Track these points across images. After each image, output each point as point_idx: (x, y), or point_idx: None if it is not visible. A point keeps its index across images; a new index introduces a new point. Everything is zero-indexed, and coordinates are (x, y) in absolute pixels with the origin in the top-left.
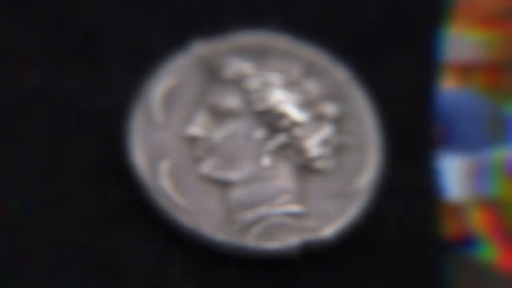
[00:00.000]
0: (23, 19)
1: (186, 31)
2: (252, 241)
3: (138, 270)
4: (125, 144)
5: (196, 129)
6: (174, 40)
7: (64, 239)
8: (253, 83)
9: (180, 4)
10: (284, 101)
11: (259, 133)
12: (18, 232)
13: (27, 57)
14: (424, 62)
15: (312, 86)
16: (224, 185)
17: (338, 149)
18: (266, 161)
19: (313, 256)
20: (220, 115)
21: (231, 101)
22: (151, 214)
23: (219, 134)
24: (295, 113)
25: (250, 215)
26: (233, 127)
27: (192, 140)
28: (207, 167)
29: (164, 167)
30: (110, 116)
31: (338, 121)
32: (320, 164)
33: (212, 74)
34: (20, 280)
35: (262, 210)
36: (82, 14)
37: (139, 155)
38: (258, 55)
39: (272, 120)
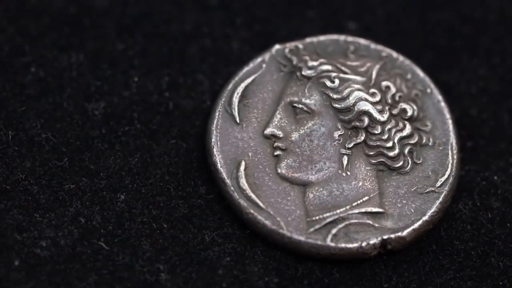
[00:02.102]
0: (127, 34)
1: (267, 34)
2: (331, 241)
3: (222, 264)
4: (207, 144)
5: (274, 128)
6: (255, 43)
7: (157, 232)
8: (333, 82)
9: (260, 9)
10: (364, 100)
11: (339, 132)
12: (121, 224)
13: (130, 67)
14: (498, 66)
15: (391, 86)
16: (303, 185)
17: (417, 148)
18: (345, 161)
19: (391, 253)
20: (298, 114)
21: (311, 100)
22: (232, 212)
23: (297, 133)
24: (375, 112)
25: (329, 215)
26: (311, 126)
27: (271, 140)
28: (285, 167)
29: (244, 166)
30: (193, 116)
31: (417, 121)
32: (399, 164)
33: (292, 74)
34: (119, 265)
35: (341, 211)
36: (171, 27)
37: (220, 155)
38: (338, 55)
39: (352, 119)
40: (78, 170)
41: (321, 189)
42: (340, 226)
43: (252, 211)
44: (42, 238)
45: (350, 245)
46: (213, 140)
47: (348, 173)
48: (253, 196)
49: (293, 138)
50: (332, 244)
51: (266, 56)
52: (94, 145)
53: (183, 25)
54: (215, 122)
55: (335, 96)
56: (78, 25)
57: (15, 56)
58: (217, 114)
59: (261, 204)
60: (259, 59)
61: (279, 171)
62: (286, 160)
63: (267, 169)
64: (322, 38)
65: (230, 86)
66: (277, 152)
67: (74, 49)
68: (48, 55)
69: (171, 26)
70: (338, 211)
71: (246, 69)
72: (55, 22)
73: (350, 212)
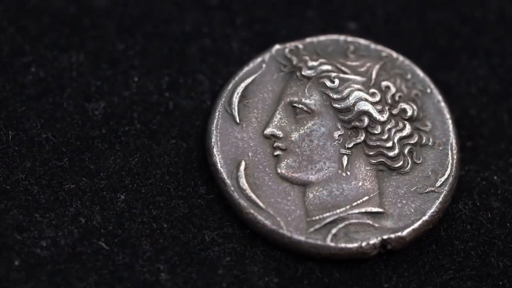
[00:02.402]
0: (127, 34)
1: (267, 34)
2: (331, 240)
3: (222, 264)
4: (207, 144)
5: (274, 128)
6: (255, 43)
7: (157, 231)
8: (333, 82)
9: (260, 9)
10: (364, 100)
11: (338, 132)
12: (121, 224)
13: (130, 67)
14: (498, 66)
15: (391, 86)
16: (303, 185)
17: (417, 148)
18: (345, 161)
19: (391, 253)
20: (298, 114)
21: (311, 100)
22: (232, 212)
23: (297, 133)
24: (375, 112)
25: (329, 215)
26: (311, 126)
27: (271, 140)
28: (285, 167)
29: (244, 166)
30: (193, 116)
31: (416, 121)
32: (399, 164)
33: (292, 74)
34: (120, 265)
35: (341, 211)
36: (171, 28)
37: (220, 155)
38: (338, 55)
39: (351, 119)
40: (78, 170)
41: (321, 189)
42: (340, 226)
43: (252, 211)
44: (42, 238)
45: (350, 245)
46: (213, 140)
47: (348, 173)
48: (253, 196)
49: (293, 138)
50: (332, 244)
51: (266, 56)
52: (94, 145)
53: (183, 25)
54: (215, 122)
55: (335, 96)
56: (78, 25)
57: (15, 56)
58: (217, 114)
59: (261, 204)
60: (259, 59)
61: (279, 171)
62: (286, 160)
63: (267, 169)
64: (322, 38)
65: (230, 86)
66: (277, 152)
67: (74, 49)
68: (48, 55)
69: (171, 26)
70: (338, 211)
71: (246, 69)
72: (55, 22)
73: (350, 212)
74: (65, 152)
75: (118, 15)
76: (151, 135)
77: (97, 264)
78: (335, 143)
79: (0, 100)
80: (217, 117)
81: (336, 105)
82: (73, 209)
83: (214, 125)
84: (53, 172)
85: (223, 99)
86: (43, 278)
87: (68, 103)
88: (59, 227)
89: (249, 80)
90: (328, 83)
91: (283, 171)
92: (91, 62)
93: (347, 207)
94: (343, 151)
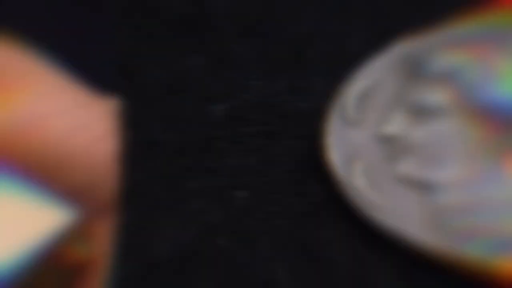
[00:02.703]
0: (246, 38)
1: (388, 31)
2: (465, 247)
3: (340, 264)
4: (323, 145)
5: (393, 128)
6: (374, 43)
7: (275, 229)
8: (467, 78)
9: (380, 9)
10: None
11: (474, 131)
12: (241, 220)
13: (247, 69)
14: None
15: None
16: (426, 186)
17: None
18: (483, 162)
19: None
20: (421, 113)
21: (437, 98)
22: (349, 211)
23: (419, 133)
24: None
25: (461, 219)
26: (437, 125)
27: (389, 140)
28: (406, 167)
29: (359, 166)
30: (310, 118)
31: None
32: None
33: (414, 72)
34: (239, 263)
35: (478, 216)
36: (288, 27)
37: (335, 155)
38: (473, 47)
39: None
40: (200, 169)
41: (453, 192)
42: (477, 233)
43: (369, 210)
44: (161, 238)
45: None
46: (329, 141)
47: (487, 176)
48: (370, 196)
49: (413, 138)
50: (468, 252)
51: (386, 56)
52: (215, 145)
53: (301, 26)
54: (331, 124)
55: (468, 94)
56: (198, 28)
57: (133, 57)
58: (333, 115)
59: (378, 204)
60: (376, 59)
61: (398, 171)
62: (405, 160)
63: (384, 169)
64: (455, 29)
65: (347, 87)
66: (395, 152)
67: (195, 52)
68: (167, 57)
69: (289, 27)
70: (473, 216)
71: (364, 69)
72: (173, 24)
73: (489, 217)
74: (187, 152)
75: (237, 17)
76: (270, 136)
77: (217, 262)
78: (470, 143)
79: (123, 103)
80: (333, 118)
81: (471, 103)
82: (194, 208)
83: (330, 126)
84: (175, 171)
85: (340, 101)
86: (161, 279)
87: (190, 105)
88: (179, 226)
89: (367, 80)
90: (461, 80)
91: (403, 171)
92: (211, 65)
93: (486, 212)
94: (481, 151)
